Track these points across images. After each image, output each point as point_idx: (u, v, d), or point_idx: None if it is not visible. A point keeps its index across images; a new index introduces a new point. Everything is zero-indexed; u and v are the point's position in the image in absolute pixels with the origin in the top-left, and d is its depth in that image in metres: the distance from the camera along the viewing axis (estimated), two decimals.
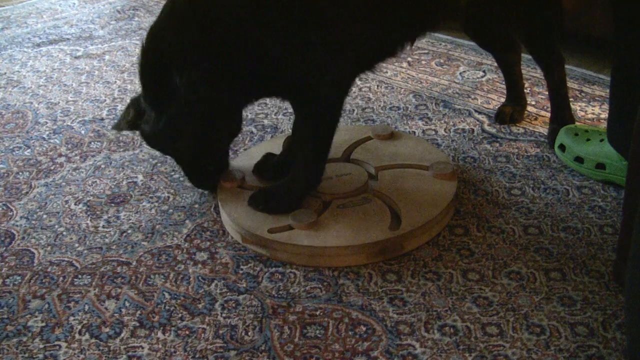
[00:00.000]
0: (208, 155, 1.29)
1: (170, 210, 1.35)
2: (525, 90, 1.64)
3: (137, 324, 1.07)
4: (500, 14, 1.42)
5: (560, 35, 1.45)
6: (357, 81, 1.86)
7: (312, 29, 1.12)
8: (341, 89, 1.22)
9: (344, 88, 1.23)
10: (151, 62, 1.19)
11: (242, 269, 1.18)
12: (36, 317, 1.09)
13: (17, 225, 1.33)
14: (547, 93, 1.64)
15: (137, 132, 1.33)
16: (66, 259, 1.23)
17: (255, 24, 1.11)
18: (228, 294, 1.12)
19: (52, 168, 1.53)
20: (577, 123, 1.51)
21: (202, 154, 1.28)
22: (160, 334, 1.05)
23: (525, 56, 1.59)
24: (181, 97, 1.14)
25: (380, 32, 1.22)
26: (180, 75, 1.12)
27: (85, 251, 1.25)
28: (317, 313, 1.07)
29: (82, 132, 1.69)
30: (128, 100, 1.85)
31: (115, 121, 1.35)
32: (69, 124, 1.73)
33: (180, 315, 1.08)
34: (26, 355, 1.02)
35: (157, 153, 1.56)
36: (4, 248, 1.27)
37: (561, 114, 1.50)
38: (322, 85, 1.17)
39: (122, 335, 1.05)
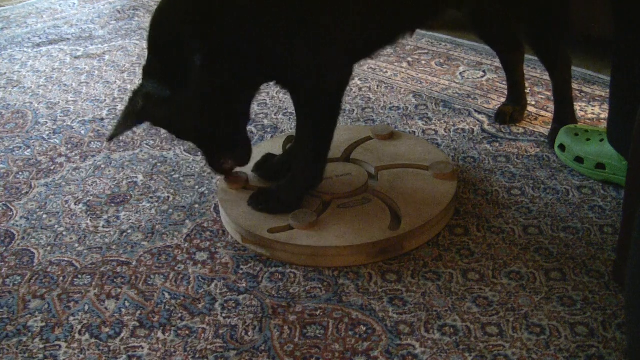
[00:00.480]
0: (222, 137, 1.23)
1: (170, 210, 1.35)
2: (526, 91, 1.63)
3: (137, 324, 1.07)
4: (505, 11, 1.42)
5: (566, 36, 1.44)
6: (357, 81, 1.86)
7: (309, 26, 1.12)
8: (340, 84, 1.21)
9: (343, 82, 1.22)
10: (162, 40, 1.13)
11: (242, 269, 1.18)
12: (36, 317, 1.09)
13: (17, 225, 1.33)
14: (547, 93, 1.64)
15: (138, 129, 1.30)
16: (66, 259, 1.23)
17: (255, 22, 1.10)
18: (228, 294, 1.12)
19: (52, 168, 1.53)
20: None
21: (217, 136, 1.22)
22: (160, 334, 1.05)
23: (526, 56, 1.59)
24: (192, 80, 1.09)
25: (380, 25, 1.22)
26: (194, 56, 1.08)
27: (85, 251, 1.25)
28: (317, 313, 1.07)
29: (82, 132, 1.69)
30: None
31: (112, 129, 1.19)
32: (69, 124, 1.73)
33: (180, 315, 1.08)
34: (26, 355, 1.02)
35: (157, 153, 1.56)
36: (4, 248, 1.27)
37: (564, 115, 1.49)
38: (320, 80, 1.17)
39: (122, 335, 1.05)
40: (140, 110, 1.11)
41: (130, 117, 1.13)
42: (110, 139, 1.16)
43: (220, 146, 1.24)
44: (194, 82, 1.09)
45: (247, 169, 1.37)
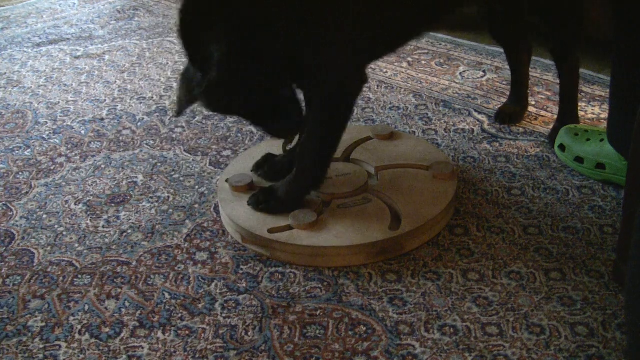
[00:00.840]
0: (262, 112, 1.21)
1: (170, 210, 1.35)
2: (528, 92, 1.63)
3: (137, 324, 1.07)
4: (524, 8, 1.42)
5: (580, 37, 1.44)
6: None
7: (320, 29, 1.12)
8: (351, 87, 1.21)
9: (355, 85, 1.22)
10: (189, 28, 1.14)
11: (242, 269, 1.18)
12: (36, 317, 1.09)
13: (17, 225, 1.33)
14: (547, 93, 1.64)
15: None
16: (66, 259, 1.23)
17: (264, 22, 1.10)
18: (228, 294, 1.12)
19: (52, 168, 1.53)
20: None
21: (256, 112, 1.20)
22: (160, 334, 1.05)
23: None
24: (215, 67, 1.09)
25: (393, 27, 1.21)
26: (211, 46, 1.08)
27: (85, 251, 1.25)
28: (317, 313, 1.07)
29: (82, 132, 1.69)
30: (128, 100, 1.85)
31: (174, 107, 1.22)
32: (69, 124, 1.73)
33: (180, 315, 1.08)
34: (26, 355, 1.02)
35: (157, 153, 1.56)
36: (4, 248, 1.27)
37: (567, 115, 1.49)
38: (331, 82, 1.17)
39: (122, 335, 1.05)
40: (186, 94, 1.15)
41: (183, 99, 1.17)
42: (178, 114, 1.20)
43: (265, 118, 1.21)
44: (217, 70, 1.09)
45: (247, 169, 1.37)
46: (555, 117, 1.56)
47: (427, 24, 1.31)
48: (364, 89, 1.82)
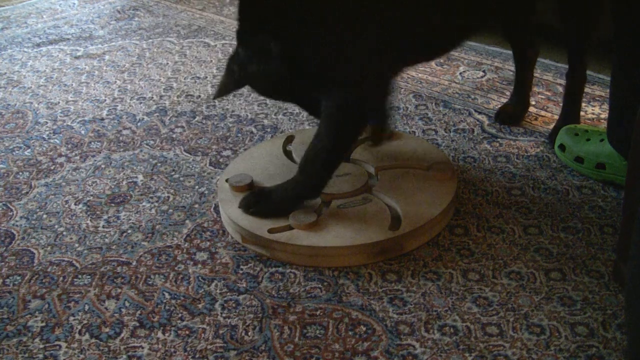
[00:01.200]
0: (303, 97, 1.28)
1: (170, 210, 1.35)
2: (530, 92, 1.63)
3: (137, 324, 1.07)
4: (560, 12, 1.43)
5: (591, 41, 1.45)
6: None
7: (356, 39, 1.12)
8: (369, 96, 1.20)
9: (373, 94, 1.21)
10: (247, 19, 1.18)
11: (242, 269, 1.18)
12: (36, 317, 1.09)
13: (17, 225, 1.33)
14: (547, 93, 1.64)
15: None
16: (66, 259, 1.23)
17: (308, 28, 1.11)
18: (228, 294, 1.12)
19: (52, 168, 1.53)
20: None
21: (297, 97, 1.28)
22: (160, 334, 1.05)
23: None
24: (272, 60, 1.14)
25: (430, 38, 1.21)
26: (270, 42, 1.13)
27: (85, 251, 1.25)
28: (317, 313, 1.07)
29: (82, 132, 1.69)
30: (128, 100, 1.85)
31: (216, 90, 1.28)
32: (69, 124, 1.73)
33: (180, 315, 1.08)
34: (26, 355, 1.02)
35: (157, 153, 1.56)
36: (4, 248, 1.27)
37: (570, 115, 1.49)
38: (357, 93, 1.16)
39: (122, 335, 1.05)
40: (237, 78, 1.21)
41: (231, 83, 1.23)
42: (216, 97, 1.27)
43: (312, 105, 1.28)
44: (273, 63, 1.13)
45: (247, 169, 1.37)
46: (556, 117, 1.57)
47: (455, 32, 1.27)
48: None
